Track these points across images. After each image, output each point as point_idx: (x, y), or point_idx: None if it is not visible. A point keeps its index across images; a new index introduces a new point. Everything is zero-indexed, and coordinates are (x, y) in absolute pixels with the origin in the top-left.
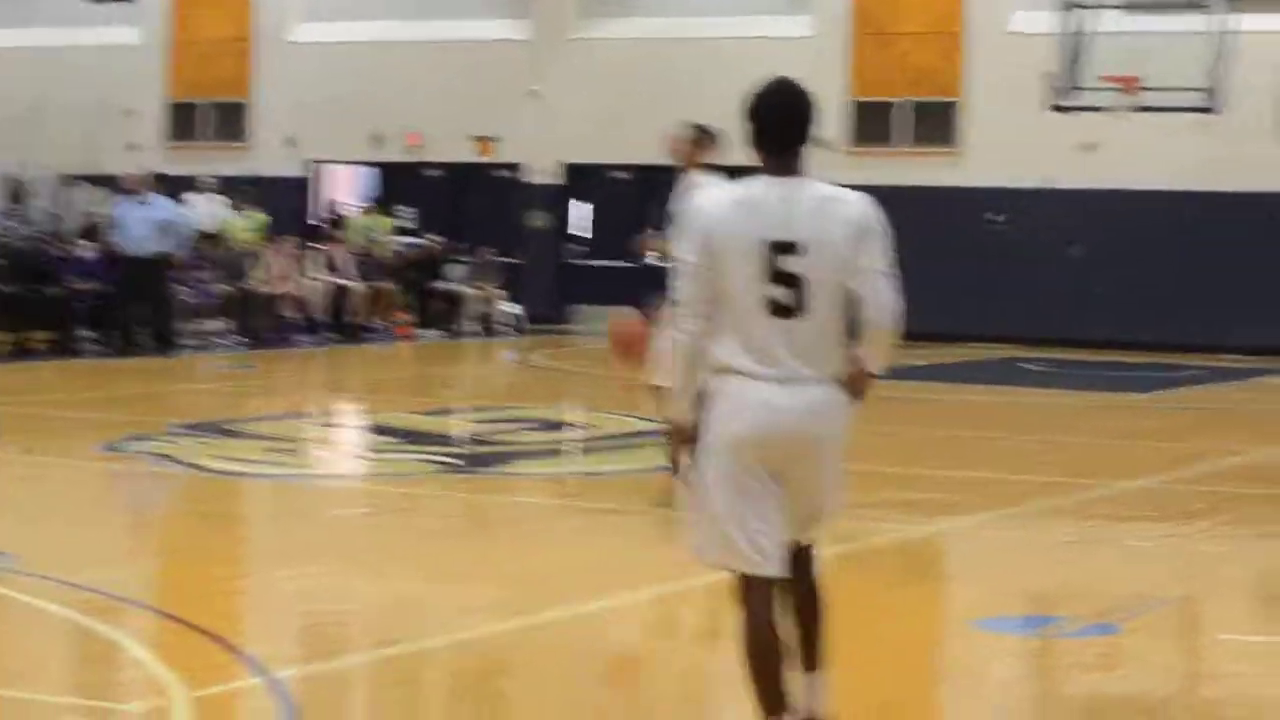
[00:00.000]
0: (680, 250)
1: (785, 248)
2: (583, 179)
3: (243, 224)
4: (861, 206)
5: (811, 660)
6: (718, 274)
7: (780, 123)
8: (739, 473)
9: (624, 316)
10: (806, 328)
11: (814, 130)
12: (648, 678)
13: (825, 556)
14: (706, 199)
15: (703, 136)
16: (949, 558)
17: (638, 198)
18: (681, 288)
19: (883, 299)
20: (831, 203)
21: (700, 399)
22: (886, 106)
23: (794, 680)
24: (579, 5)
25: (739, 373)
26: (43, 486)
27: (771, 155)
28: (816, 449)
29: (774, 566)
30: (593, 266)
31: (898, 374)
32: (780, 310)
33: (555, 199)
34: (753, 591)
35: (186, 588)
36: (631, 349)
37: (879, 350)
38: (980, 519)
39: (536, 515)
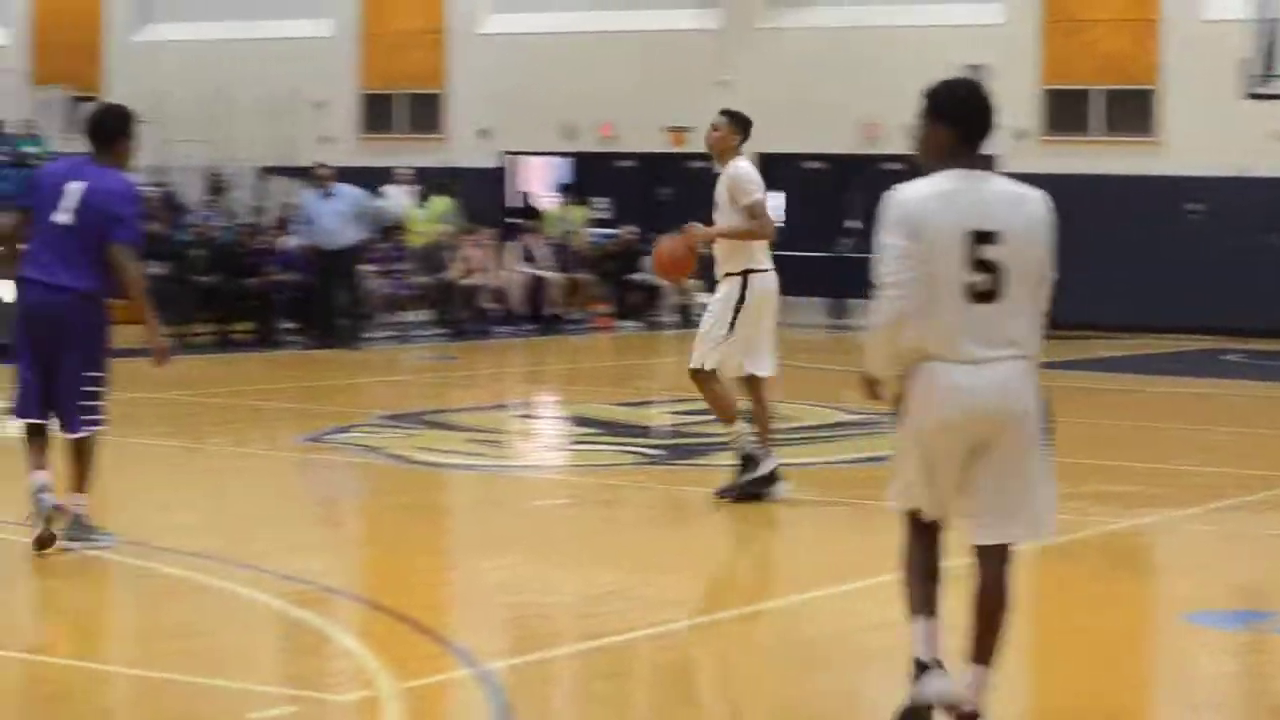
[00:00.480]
0: (887, 237)
1: (985, 237)
2: (775, 169)
3: (423, 214)
4: (1044, 206)
5: (983, 654)
6: (921, 260)
7: (977, 119)
8: (932, 457)
9: (670, 237)
10: (1002, 311)
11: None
12: (849, 670)
13: (1032, 548)
14: (908, 191)
15: (738, 124)
16: (1155, 550)
17: (832, 186)
18: (887, 272)
19: (1042, 308)
20: (1021, 197)
21: (900, 381)
22: (1080, 95)
23: (960, 671)
24: None
25: (933, 357)
26: (248, 478)
27: (963, 150)
28: (1008, 426)
29: (942, 516)
30: (788, 257)
31: (1096, 365)
32: (979, 296)
33: None
34: (922, 528)
35: (393, 578)
36: (676, 266)
37: None
38: (1185, 512)
39: (736, 507)
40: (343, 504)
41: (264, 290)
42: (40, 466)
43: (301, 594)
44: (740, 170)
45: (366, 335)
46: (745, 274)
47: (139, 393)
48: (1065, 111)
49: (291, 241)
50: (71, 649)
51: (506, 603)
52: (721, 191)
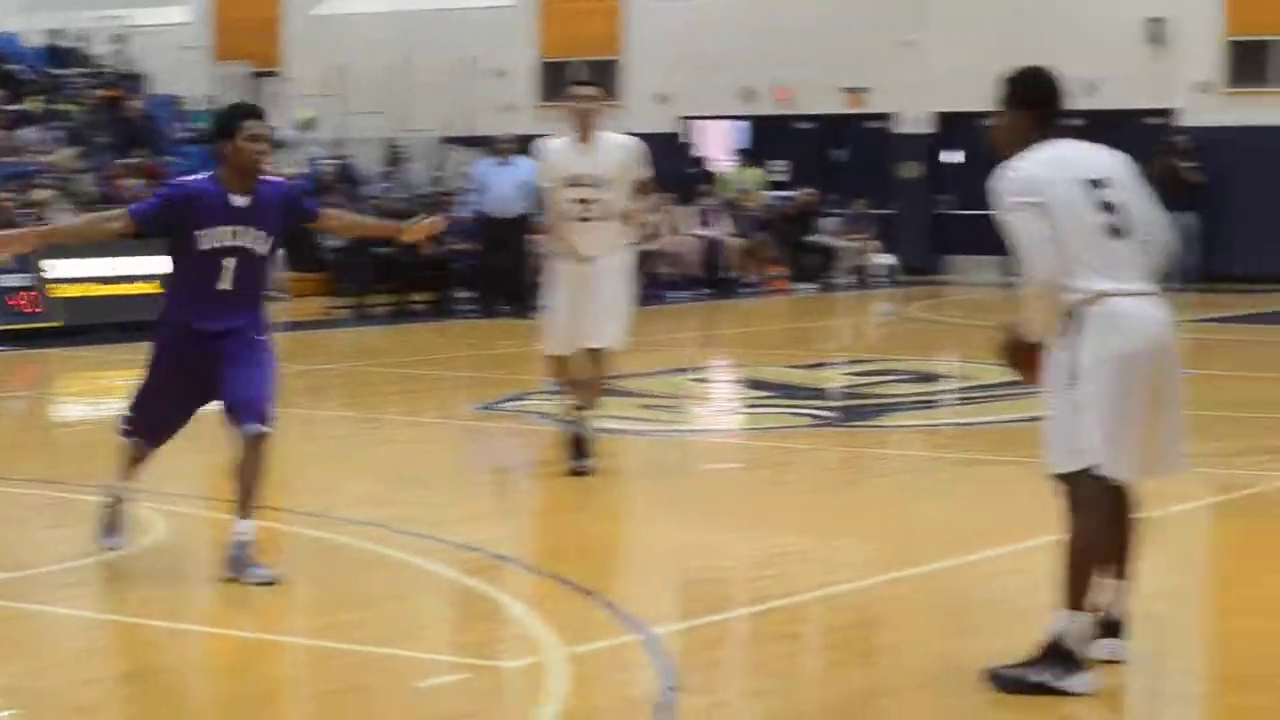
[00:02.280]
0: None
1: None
2: (957, 128)
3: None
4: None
5: (1126, 567)
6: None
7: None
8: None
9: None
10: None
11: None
12: (1019, 631)
13: (1210, 506)
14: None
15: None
16: None
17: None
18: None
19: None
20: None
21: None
22: (1266, 45)
23: (1105, 585)
24: None
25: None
26: (423, 447)
27: (1041, 135)
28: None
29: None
30: (966, 216)
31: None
32: (1111, 231)
33: (927, 148)
34: (1104, 496)
35: (564, 545)
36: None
37: None
38: None
39: (909, 468)
40: (516, 472)
41: (441, 260)
42: None
43: (474, 562)
44: (635, 142)
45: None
46: (630, 246)
47: (317, 364)
48: (1250, 62)
49: (461, 211)
50: (246, 620)
51: (677, 567)
52: (614, 163)
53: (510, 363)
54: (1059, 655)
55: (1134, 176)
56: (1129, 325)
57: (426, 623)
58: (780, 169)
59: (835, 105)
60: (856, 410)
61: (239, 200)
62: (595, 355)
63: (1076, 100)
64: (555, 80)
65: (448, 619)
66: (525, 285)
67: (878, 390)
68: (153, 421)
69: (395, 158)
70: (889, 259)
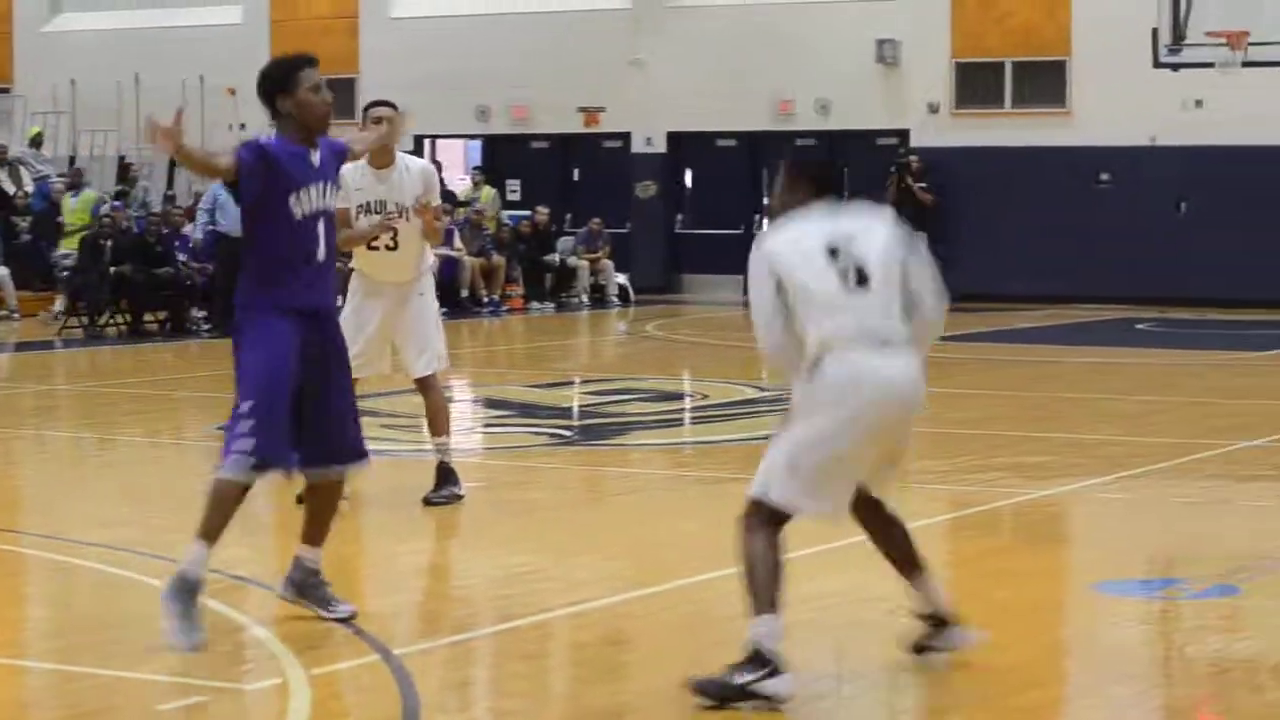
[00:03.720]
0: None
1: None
2: (688, 147)
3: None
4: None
5: (917, 566)
6: None
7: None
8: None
9: None
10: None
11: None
12: None
13: (944, 523)
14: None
15: None
16: (1067, 521)
17: (744, 164)
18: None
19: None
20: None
21: None
22: (992, 67)
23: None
24: None
25: None
26: (158, 468)
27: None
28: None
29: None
30: (702, 235)
31: (1010, 337)
32: (848, 290)
33: (663, 168)
34: (771, 524)
35: None
36: None
37: None
38: (1097, 481)
39: (651, 486)
40: (254, 493)
41: (175, 279)
42: None
43: (213, 584)
44: (429, 165)
45: None
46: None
47: (51, 384)
48: (977, 85)
49: (196, 230)
50: None
51: (419, 588)
52: (409, 188)
53: None
54: (757, 659)
55: (896, 245)
56: (848, 380)
57: (167, 645)
58: (516, 189)
59: (571, 125)
60: (596, 429)
61: (314, 157)
62: (423, 385)
63: (810, 121)
64: None
65: None
66: None
67: (617, 409)
68: (278, 426)
69: (127, 176)
70: (625, 278)
